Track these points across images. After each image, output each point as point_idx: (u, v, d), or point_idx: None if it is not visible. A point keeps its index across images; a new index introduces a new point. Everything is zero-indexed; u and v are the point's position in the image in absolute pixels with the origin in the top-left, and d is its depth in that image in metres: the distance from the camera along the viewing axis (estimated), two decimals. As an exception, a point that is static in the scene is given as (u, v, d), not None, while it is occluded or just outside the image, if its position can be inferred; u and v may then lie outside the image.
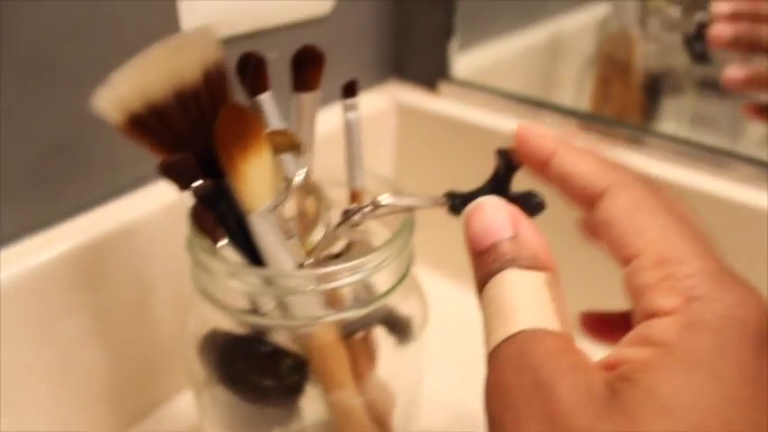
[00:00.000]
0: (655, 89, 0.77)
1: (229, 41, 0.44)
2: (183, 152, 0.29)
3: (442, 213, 0.28)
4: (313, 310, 0.31)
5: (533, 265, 0.21)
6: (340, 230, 0.30)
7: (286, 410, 0.35)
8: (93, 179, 0.40)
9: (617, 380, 0.19)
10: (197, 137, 0.29)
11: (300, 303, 0.31)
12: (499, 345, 0.20)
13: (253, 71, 0.31)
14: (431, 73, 0.57)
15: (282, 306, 0.32)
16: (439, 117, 0.54)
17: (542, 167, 0.25)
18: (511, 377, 0.19)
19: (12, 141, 0.36)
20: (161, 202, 0.41)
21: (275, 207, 0.27)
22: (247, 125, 0.27)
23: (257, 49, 0.32)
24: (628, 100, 0.76)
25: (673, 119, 0.75)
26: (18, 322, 0.36)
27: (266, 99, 0.31)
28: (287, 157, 0.29)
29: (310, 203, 0.30)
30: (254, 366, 0.33)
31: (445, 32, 0.55)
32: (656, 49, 0.75)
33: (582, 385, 0.19)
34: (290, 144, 0.28)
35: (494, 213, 0.23)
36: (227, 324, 0.33)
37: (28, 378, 0.37)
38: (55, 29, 0.36)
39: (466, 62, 0.59)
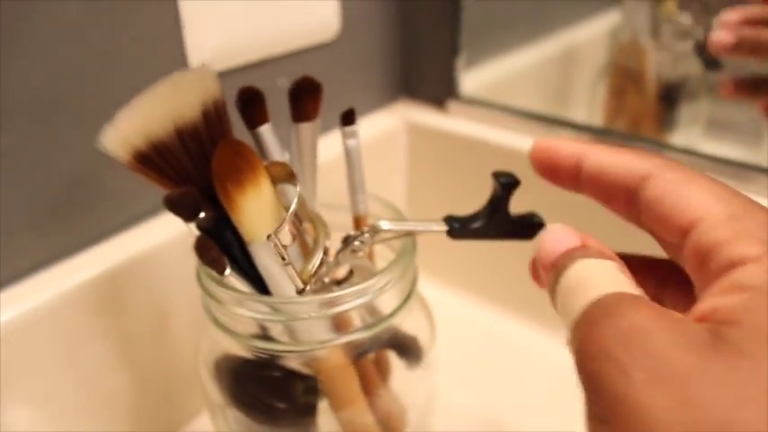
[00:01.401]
0: (669, 98, 0.77)
1: (238, 71, 0.46)
2: (187, 185, 0.30)
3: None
4: (320, 334, 0.32)
5: (600, 257, 0.23)
6: (341, 257, 0.31)
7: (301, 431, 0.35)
8: (106, 211, 0.42)
9: (717, 325, 0.19)
10: (201, 170, 0.30)
11: (307, 328, 0.32)
12: (583, 311, 0.21)
13: (251, 104, 0.32)
14: (439, 91, 0.57)
15: (290, 331, 0.32)
16: (448, 135, 0.55)
17: (572, 174, 0.26)
18: (604, 330, 0.20)
19: (26, 180, 0.37)
20: (175, 231, 0.42)
21: (287, 240, 0.28)
22: (243, 159, 0.28)
23: (253, 82, 0.33)
24: (642, 110, 0.76)
25: (689, 127, 0.75)
26: (45, 347, 0.38)
27: (265, 131, 0.32)
28: (288, 187, 0.30)
29: (309, 230, 0.31)
30: (267, 390, 0.34)
31: (451, 52, 0.56)
32: (668, 57, 0.75)
33: (680, 330, 0.19)
34: (286, 175, 0.29)
35: (562, 231, 0.25)
36: (240, 349, 0.34)
37: (54, 400, 0.39)
38: (61, 71, 0.37)
39: (473, 79, 0.59)
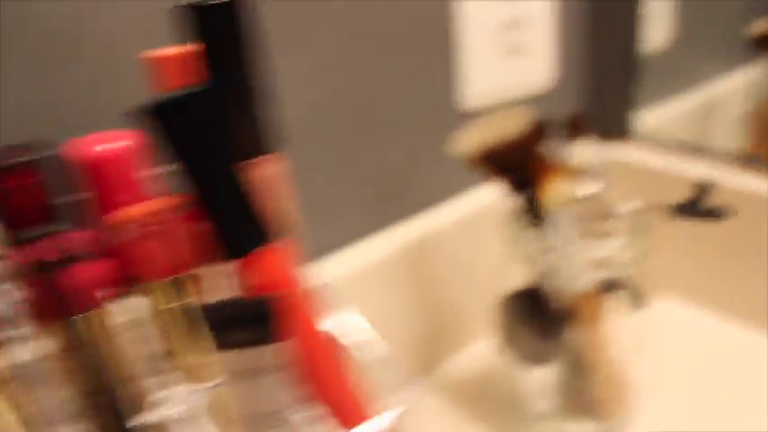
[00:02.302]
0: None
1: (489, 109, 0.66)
2: (510, 176, 0.49)
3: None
4: (581, 271, 0.51)
5: None
6: (608, 224, 0.50)
7: (557, 343, 0.54)
8: (414, 196, 0.63)
9: None
10: (518, 167, 0.50)
11: (573, 266, 0.50)
12: None
13: (577, 126, 0.52)
14: (619, 129, 0.76)
15: (562, 267, 0.51)
16: (627, 165, 0.73)
17: None
18: None
19: (362, 172, 0.59)
20: (461, 213, 0.63)
21: (570, 210, 0.47)
22: (551, 161, 0.48)
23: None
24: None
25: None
26: (374, 287, 0.58)
27: (574, 145, 0.52)
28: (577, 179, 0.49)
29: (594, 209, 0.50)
30: (546, 309, 0.52)
31: (631, 98, 0.74)
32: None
33: None
34: (585, 171, 0.48)
35: None
36: (527, 280, 0.53)
37: (374, 318, 0.59)
38: (391, 99, 0.59)
39: (644, 118, 0.77)
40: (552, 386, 0.58)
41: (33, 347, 0.28)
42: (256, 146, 0.28)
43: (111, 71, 0.41)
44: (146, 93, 0.29)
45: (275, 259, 0.27)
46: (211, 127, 0.24)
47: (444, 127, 0.61)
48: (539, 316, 0.53)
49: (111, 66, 0.41)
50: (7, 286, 0.30)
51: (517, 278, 0.54)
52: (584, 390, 0.56)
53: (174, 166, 0.25)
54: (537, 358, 0.56)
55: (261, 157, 0.28)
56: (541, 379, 0.59)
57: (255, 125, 0.27)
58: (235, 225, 0.26)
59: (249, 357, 0.25)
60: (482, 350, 0.66)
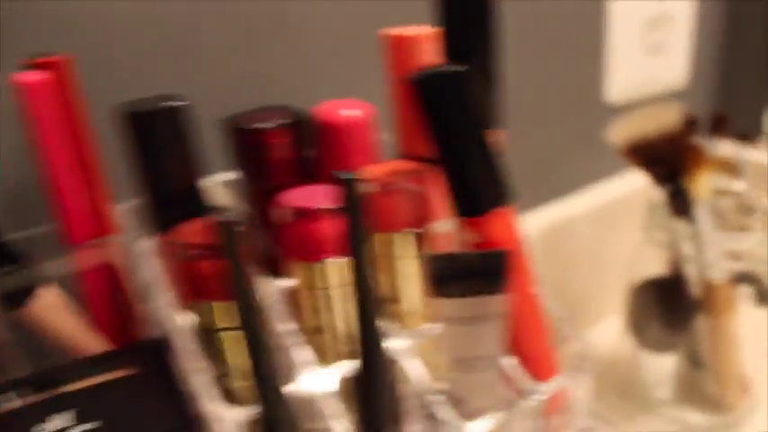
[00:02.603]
0: None
1: (632, 105, 0.68)
2: (660, 167, 0.52)
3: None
4: (718, 261, 0.52)
5: None
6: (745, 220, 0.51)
7: (685, 332, 0.56)
8: (555, 182, 0.66)
9: None
10: (666, 158, 0.52)
11: (712, 256, 0.52)
12: None
13: (720, 124, 0.53)
14: (748, 129, 0.76)
15: (701, 256, 0.52)
16: (760, 164, 0.73)
17: None
18: None
19: (515, 155, 0.61)
20: (596, 203, 0.66)
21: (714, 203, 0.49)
22: (702, 154, 0.50)
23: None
24: None
25: None
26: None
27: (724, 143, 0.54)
28: (720, 175, 0.51)
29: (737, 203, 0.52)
30: (679, 298, 0.54)
31: (764, 101, 0.75)
32: None
33: None
34: (728, 167, 0.50)
35: None
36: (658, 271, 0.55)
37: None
38: (525, 96, 0.62)
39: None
40: (673, 375, 0.60)
41: (280, 284, 0.32)
42: (491, 120, 0.31)
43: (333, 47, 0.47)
44: (373, 68, 0.32)
45: (507, 219, 0.31)
46: (469, 100, 0.27)
47: (590, 118, 0.64)
48: (670, 304, 0.55)
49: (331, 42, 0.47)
50: (258, 230, 0.34)
51: (650, 266, 0.56)
52: (705, 381, 0.58)
53: (428, 131, 0.28)
54: (662, 346, 0.59)
55: (492, 131, 0.31)
56: (664, 367, 0.60)
57: (491, 102, 0.31)
58: (480, 186, 0.29)
59: (475, 305, 0.29)
60: (606, 335, 0.68)
